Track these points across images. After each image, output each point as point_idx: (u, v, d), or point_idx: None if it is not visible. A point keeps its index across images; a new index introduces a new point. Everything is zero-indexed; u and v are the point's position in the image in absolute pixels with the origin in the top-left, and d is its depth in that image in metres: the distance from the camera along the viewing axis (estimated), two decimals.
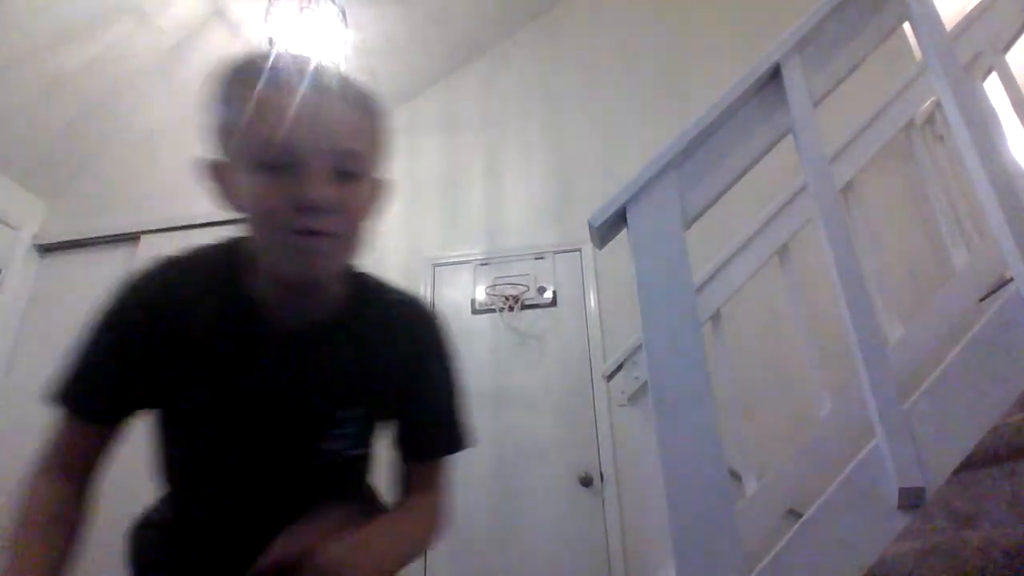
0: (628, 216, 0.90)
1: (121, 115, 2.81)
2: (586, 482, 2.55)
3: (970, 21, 1.58)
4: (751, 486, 1.50)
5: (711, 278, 1.63)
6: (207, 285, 0.67)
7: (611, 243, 0.96)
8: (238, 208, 0.63)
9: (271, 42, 2.38)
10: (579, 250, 2.98)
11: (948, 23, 1.00)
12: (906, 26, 0.97)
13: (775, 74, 0.92)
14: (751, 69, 0.93)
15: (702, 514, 0.76)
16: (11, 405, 2.50)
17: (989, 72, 1.55)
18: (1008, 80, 1.47)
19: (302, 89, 0.59)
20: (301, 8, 2.36)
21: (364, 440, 0.73)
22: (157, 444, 0.74)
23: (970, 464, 1.05)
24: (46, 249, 2.79)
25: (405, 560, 0.67)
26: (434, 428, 0.76)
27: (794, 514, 1.45)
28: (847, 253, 0.81)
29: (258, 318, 0.66)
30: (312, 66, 0.62)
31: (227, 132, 0.62)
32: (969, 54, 1.50)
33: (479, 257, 3.10)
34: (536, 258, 3.03)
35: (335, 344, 0.68)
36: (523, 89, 3.41)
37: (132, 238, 2.70)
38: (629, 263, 0.89)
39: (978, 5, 1.60)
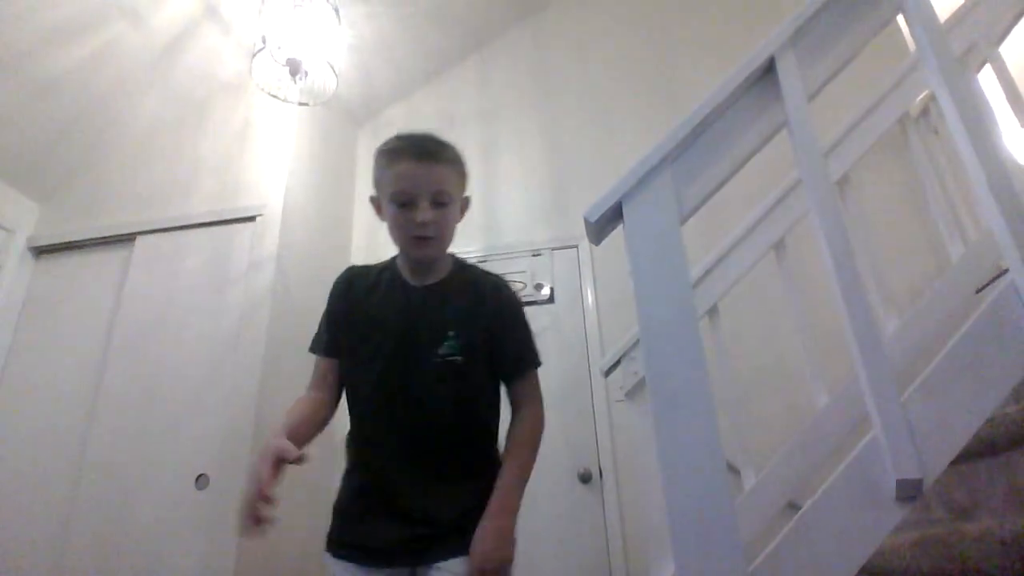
0: (624, 211, 0.90)
1: (115, 116, 2.79)
2: (585, 478, 2.55)
3: (964, 13, 1.58)
4: (749, 480, 1.50)
5: (708, 273, 1.63)
6: (380, 271, 1.20)
7: (608, 239, 0.96)
8: (388, 223, 1.12)
9: (264, 41, 2.37)
10: (576, 246, 2.98)
11: (942, 15, 1.00)
12: (900, 18, 0.97)
13: (769, 68, 0.92)
14: (745, 63, 0.93)
15: (701, 508, 0.76)
16: (7, 406, 2.49)
17: (983, 64, 1.55)
18: (1002, 72, 1.48)
19: (412, 161, 1.08)
20: (294, 6, 2.35)
21: (463, 351, 1.08)
22: (348, 382, 1.15)
23: (967, 455, 1.06)
24: (40, 251, 2.78)
25: (530, 471, 1.08)
26: (520, 348, 1.15)
27: (793, 507, 1.46)
28: (842, 246, 0.81)
29: (403, 282, 1.16)
30: (424, 144, 1.10)
31: (378, 183, 1.13)
32: (963, 46, 1.50)
33: (476, 254, 3.10)
34: (533, 255, 3.03)
35: (443, 294, 1.14)
36: (518, 86, 3.40)
37: (128, 239, 2.69)
38: (626, 259, 0.89)
39: None
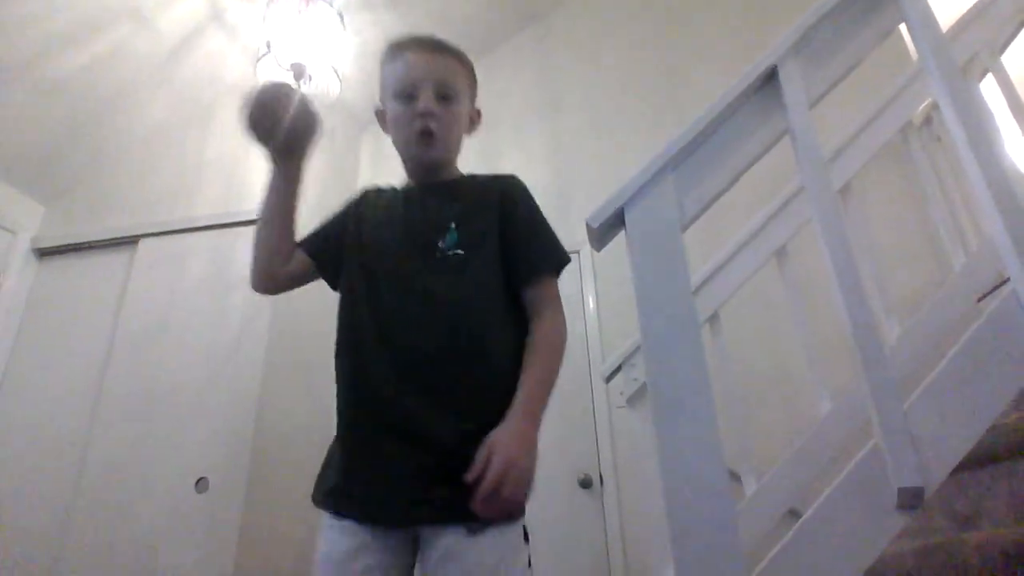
0: (626, 217, 0.90)
1: (120, 118, 2.81)
2: (585, 484, 2.55)
3: (966, 23, 1.58)
4: (751, 487, 1.50)
5: (709, 279, 1.64)
6: (392, 187, 1.11)
7: (609, 245, 0.96)
8: (390, 130, 1.05)
9: (268, 46, 2.38)
10: (577, 252, 2.98)
11: (944, 25, 1.00)
12: (903, 27, 0.97)
13: (772, 76, 0.93)
14: (748, 71, 0.93)
15: (702, 515, 0.76)
16: (9, 408, 2.49)
17: (985, 74, 1.55)
18: (1004, 82, 1.48)
19: (416, 51, 1.02)
20: (299, 11, 2.36)
21: (465, 244, 0.95)
22: (342, 309, 1.00)
23: (969, 464, 1.05)
24: (44, 253, 2.78)
25: (553, 384, 0.93)
26: (532, 244, 0.99)
27: (794, 514, 1.45)
28: (844, 254, 0.82)
29: (407, 187, 1.08)
30: (428, 37, 1.05)
31: (382, 86, 1.05)
32: (965, 56, 1.51)
33: None
34: None
35: (447, 190, 1.04)
36: (521, 92, 3.41)
37: (131, 241, 2.69)
38: (627, 265, 0.89)
39: (974, 7, 1.61)
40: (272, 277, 1.04)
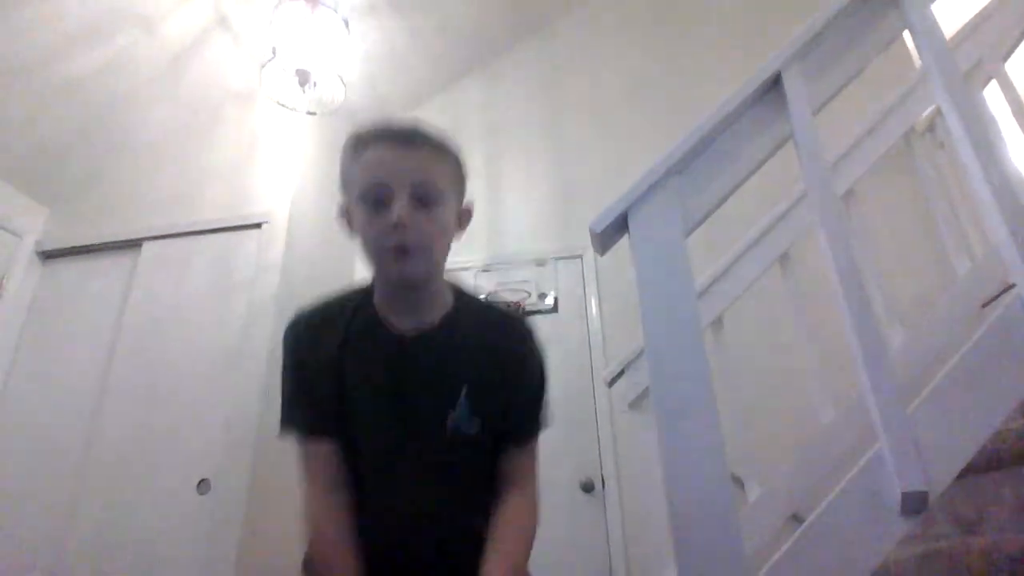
0: (629, 222, 0.90)
1: (125, 123, 2.82)
2: (588, 488, 2.54)
3: (970, 30, 1.59)
4: (753, 492, 1.50)
5: (712, 284, 1.64)
6: (341, 312, 0.88)
7: (612, 249, 0.96)
8: (357, 235, 0.84)
9: (273, 51, 2.40)
10: (580, 256, 2.98)
11: (948, 32, 1.01)
12: (906, 34, 0.97)
13: (776, 82, 0.93)
14: (751, 77, 0.94)
15: (704, 520, 0.76)
16: (13, 409, 2.50)
17: (989, 80, 1.56)
18: (1008, 88, 1.48)
19: (386, 146, 0.82)
20: (304, 17, 2.38)
21: (477, 421, 0.84)
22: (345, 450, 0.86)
23: (973, 469, 1.05)
24: (48, 256, 2.79)
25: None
26: (527, 415, 0.90)
27: (797, 520, 1.45)
28: (848, 260, 0.82)
29: (382, 327, 0.86)
30: (402, 126, 0.84)
31: (345, 183, 0.86)
32: (969, 63, 1.51)
33: (480, 263, 3.10)
34: (537, 264, 3.04)
35: (443, 344, 0.86)
36: (525, 99, 3.42)
37: (135, 244, 2.70)
38: (630, 269, 0.90)
39: (978, 14, 1.61)
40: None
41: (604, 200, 0.92)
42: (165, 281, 2.60)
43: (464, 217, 0.90)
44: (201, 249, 2.63)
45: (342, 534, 0.80)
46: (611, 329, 2.81)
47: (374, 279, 0.87)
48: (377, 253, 0.82)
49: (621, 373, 1.70)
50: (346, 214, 0.87)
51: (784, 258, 1.63)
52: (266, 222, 2.60)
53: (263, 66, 2.42)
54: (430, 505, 0.83)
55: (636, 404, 1.63)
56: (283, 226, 2.57)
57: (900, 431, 0.75)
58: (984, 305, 1.57)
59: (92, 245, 2.77)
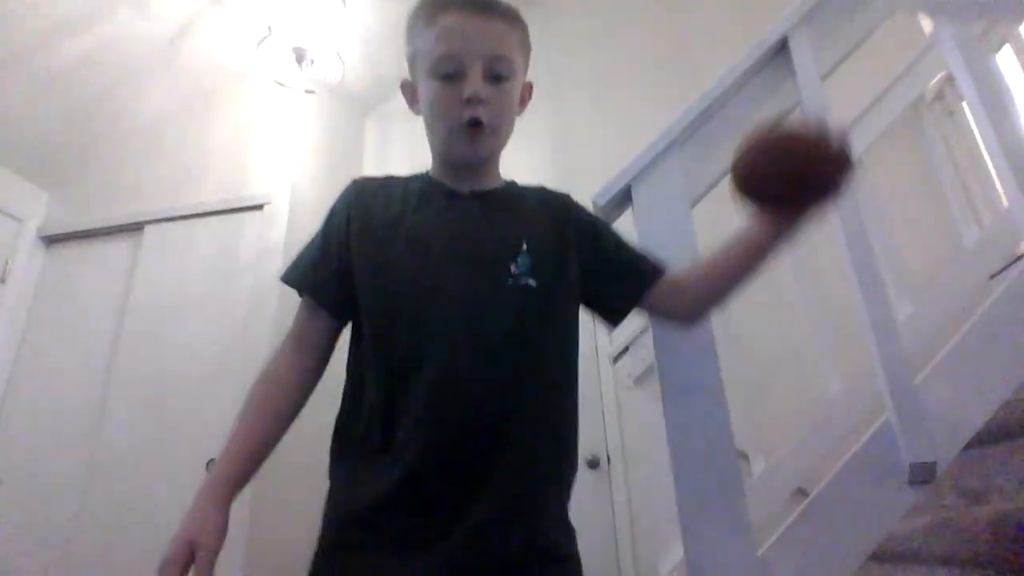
0: (633, 194, 0.89)
1: (123, 105, 2.79)
2: (593, 464, 2.56)
3: None
4: (759, 466, 1.50)
5: None
6: (406, 182, 0.87)
7: (615, 224, 0.95)
8: (422, 111, 0.83)
9: (269, 29, 2.36)
10: None
11: None
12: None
13: (782, 47, 0.91)
14: (757, 42, 0.91)
15: (711, 493, 0.75)
16: (20, 395, 2.52)
17: (1002, 44, 1.52)
18: (1022, 52, 1.45)
19: (461, 13, 0.78)
20: None
21: (536, 271, 0.77)
22: (370, 331, 0.78)
23: (979, 440, 1.05)
24: (51, 240, 2.79)
25: None
26: (637, 257, 0.83)
27: (801, 493, 1.45)
28: (857, 229, 0.80)
29: (446, 190, 0.84)
30: None
31: (414, 55, 0.82)
32: (982, 25, 1.47)
33: None
34: None
35: (503, 201, 0.84)
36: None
37: (137, 228, 2.69)
38: (635, 243, 0.88)
39: None
40: (320, 374, 0.86)
41: (607, 176, 0.91)
42: (168, 264, 2.60)
43: (525, 94, 0.87)
44: (203, 232, 2.62)
45: (267, 422, 0.78)
46: None
47: (436, 152, 0.85)
48: (449, 127, 0.79)
49: (625, 350, 1.69)
50: (409, 88, 0.85)
51: None
52: (267, 203, 2.58)
53: (259, 44, 2.39)
54: (496, 374, 0.72)
55: (641, 380, 1.63)
56: (285, 207, 2.56)
57: (908, 402, 0.74)
58: (992, 276, 1.55)
59: (94, 229, 2.76)
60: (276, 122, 2.79)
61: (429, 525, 0.68)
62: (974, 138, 1.82)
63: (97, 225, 2.76)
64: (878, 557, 1.16)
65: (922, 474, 0.71)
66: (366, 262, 0.78)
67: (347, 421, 0.79)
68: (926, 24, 2.46)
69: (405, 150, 3.28)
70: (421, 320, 0.74)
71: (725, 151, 0.90)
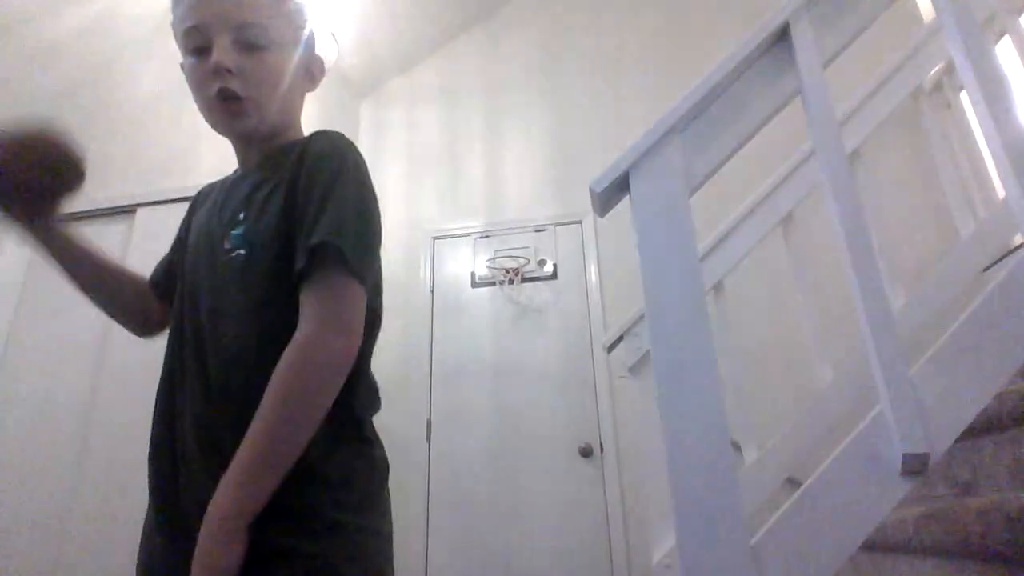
0: (631, 182, 0.88)
1: (114, 85, 2.75)
2: (586, 453, 2.57)
3: None
4: (751, 456, 1.51)
5: (714, 248, 1.62)
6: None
7: (610, 216, 0.94)
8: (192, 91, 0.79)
9: None
10: (580, 222, 2.96)
11: None
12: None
13: (783, 34, 0.89)
14: (758, 28, 0.90)
15: (704, 482, 0.75)
16: (11, 380, 2.50)
17: (1002, 35, 1.51)
18: (1022, 43, 1.44)
19: None
20: None
21: (248, 241, 0.72)
22: None
23: (971, 431, 1.05)
24: None
25: (281, 438, 0.60)
26: (316, 222, 0.66)
27: (792, 483, 1.46)
28: (855, 217, 0.80)
29: (234, 175, 0.87)
30: None
31: (174, 32, 0.80)
32: (983, 16, 1.46)
33: (479, 230, 3.08)
34: (536, 230, 3.01)
35: (244, 180, 0.81)
36: (524, 57, 3.34)
37: (129, 211, 2.67)
38: (629, 235, 0.87)
39: None
40: (149, 331, 0.97)
41: (605, 164, 0.90)
42: (161, 248, 2.55)
43: (314, 68, 0.86)
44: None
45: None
46: (610, 295, 2.80)
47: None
48: (204, 104, 0.76)
49: (620, 339, 1.69)
50: (183, 68, 0.80)
51: (787, 220, 1.60)
52: None
53: None
54: (204, 372, 0.69)
55: (636, 369, 1.63)
56: None
57: (902, 392, 0.74)
58: (985, 269, 1.56)
59: (86, 211, 2.73)
60: None
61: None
62: (971, 130, 1.82)
63: (89, 207, 2.73)
64: (869, 547, 1.17)
65: (915, 465, 0.71)
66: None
67: None
68: (926, 14, 2.44)
69: (400, 134, 3.25)
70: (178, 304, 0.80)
71: (725, 139, 0.89)
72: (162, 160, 2.76)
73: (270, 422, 0.60)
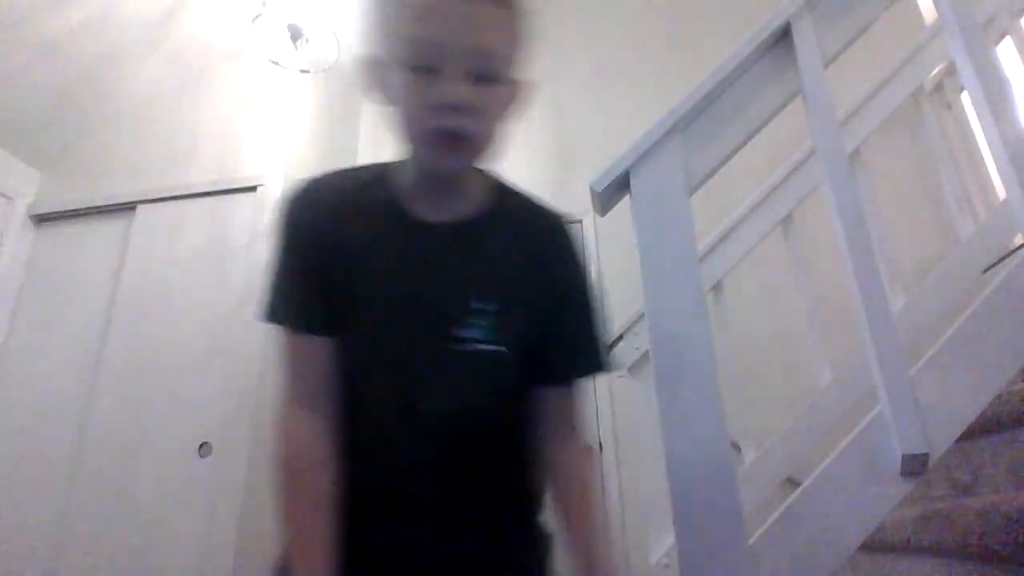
0: (631, 181, 0.88)
1: (114, 81, 2.75)
2: None
3: None
4: (749, 455, 1.51)
5: (714, 248, 1.62)
6: (361, 188, 0.71)
7: (610, 216, 0.94)
8: (388, 102, 0.67)
9: (264, 5, 2.32)
10: (580, 222, 2.95)
11: None
12: None
13: (785, 33, 0.89)
14: (759, 28, 0.90)
15: (703, 482, 0.75)
16: (10, 375, 2.50)
17: (1003, 37, 1.51)
18: (1022, 44, 1.44)
19: None
20: None
21: (500, 338, 0.68)
22: (342, 367, 0.71)
23: (970, 432, 1.05)
24: (41, 219, 2.75)
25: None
26: (576, 341, 0.72)
27: (791, 482, 1.46)
28: (855, 217, 0.80)
29: (406, 213, 0.69)
30: None
31: (385, 31, 0.65)
32: (983, 18, 1.46)
33: None
34: None
35: (473, 238, 0.70)
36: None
37: (129, 207, 2.66)
38: (629, 235, 0.87)
39: None
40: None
41: (605, 162, 0.90)
42: (161, 244, 2.57)
43: (520, 95, 0.70)
44: (196, 212, 2.60)
45: (326, 457, 0.66)
46: (609, 295, 2.79)
47: (404, 160, 0.70)
48: (421, 136, 0.64)
49: (620, 338, 1.69)
50: (375, 70, 0.67)
51: (787, 221, 1.60)
52: (261, 185, 2.55)
53: (253, 20, 2.35)
54: (441, 441, 0.68)
55: (635, 369, 1.63)
56: (278, 190, 2.53)
57: (902, 393, 0.74)
58: (985, 270, 1.56)
59: (86, 208, 2.73)
60: (270, 102, 2.75)
61: None
62: (971, 131, 1.82)
63: (89, 204, 2.72)
64: (868, 548, 1.17)
65: (915, 466, 0.72)
66: (340, 289, 0.68)
67: None
68: (927, 15, 2.44)
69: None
70: (363, 377, 0.68)
71: (726, 138, 0.89)
72: (161, 157, 2.76)
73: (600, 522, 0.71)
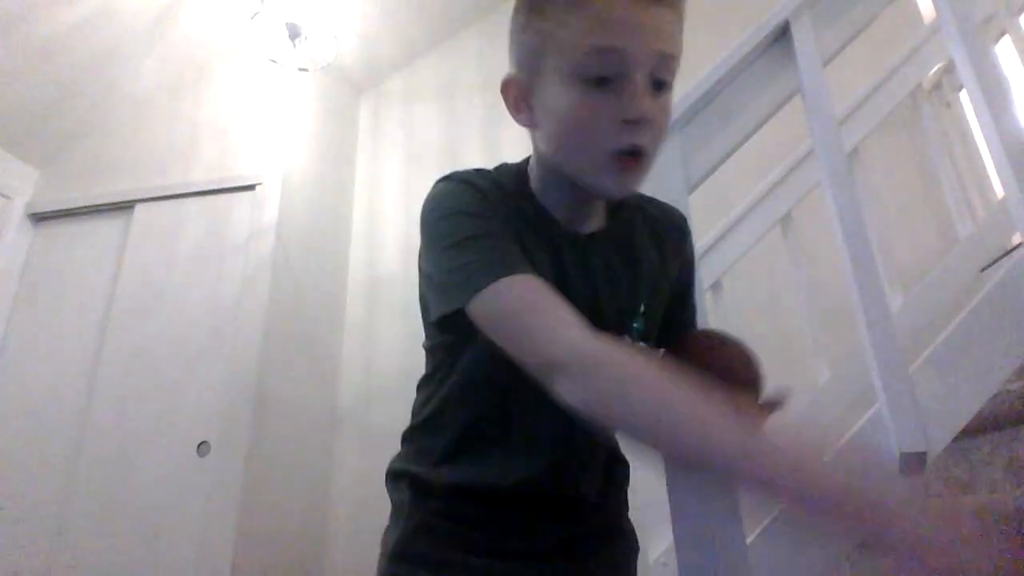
0: None
1: (112, 80, 2.74)
2: None
3: None
4: None
5: (712, 247, 1.62)
6: (505, 197, 0.65)
7: None
8: (541, 124, 0.62)
9: (262, 2, 2.31)
10: None
11: None
12: None
13: (783, 32, 0.89)
14: (758, 27, 0.90)
15: (701, 480, 0.75)
16: (8, 374, 2.50)
17: (1002, 35, 1.51)
18: (1021, 43, 1.44)
19: None
20: None
21: (649, 335, 0.70)
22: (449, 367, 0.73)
23: (968, 431, 1.05)
24: (40, 218, 2.75)
25: None
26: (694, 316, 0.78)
27: None
28: (853, 216, 0.80)
29: (557, 227, 0.65)
30: None
31: (539, 46, 0.59)
32: (982, 16, 1.46)
33: None
34: None
35: (619, 248, 0.68)
36: None
37: (127, 207, 2.66)
38: None
39: None
40: None
41: None
42: (160, 243, 2.57)
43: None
44: (194, 211, 2.60)
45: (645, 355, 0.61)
46: None
47: (551, 175, 0.65)
48: (592, 156, 0.57)
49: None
50: (519, 88, 0.62)
51: (785, 220, 1.60)
52: (259, 184, 2.55)
53: (251, 18, 2.34)
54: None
55: None
56: (277, 188, 2.53)
57: (901, 391, 0.74)
58: (983, 269, 1.56)
59: (84, 207, 2.72)
60: (268, 101, 2.75)
61: None
62: (970, 130, 1.82)
63: (87, 203, 2.72)
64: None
65: (913, 464, 0.72)
66: None
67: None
68: (926, 14, 2.44)
69: (400, 132, 3.24)
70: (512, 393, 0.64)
71: (724, 137, 0.89)
72: (160, 156, 2.75)
73: None
